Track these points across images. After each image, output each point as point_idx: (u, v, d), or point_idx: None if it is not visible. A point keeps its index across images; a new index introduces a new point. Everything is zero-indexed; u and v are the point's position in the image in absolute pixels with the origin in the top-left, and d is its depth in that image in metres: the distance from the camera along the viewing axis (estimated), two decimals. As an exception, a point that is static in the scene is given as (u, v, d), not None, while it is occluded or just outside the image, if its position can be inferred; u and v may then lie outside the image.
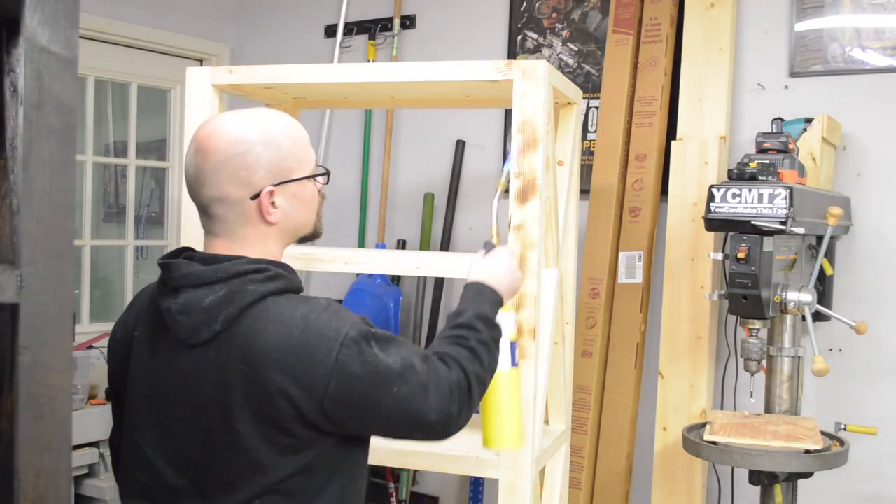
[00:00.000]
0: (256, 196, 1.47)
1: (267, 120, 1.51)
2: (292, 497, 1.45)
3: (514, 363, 1.71)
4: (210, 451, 1.45)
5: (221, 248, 1.51)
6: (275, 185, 1.48)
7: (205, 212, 1.51)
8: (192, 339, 1.44)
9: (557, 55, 3.57)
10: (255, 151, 1.47)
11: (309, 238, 1.61)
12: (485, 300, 1.63)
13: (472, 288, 1.66)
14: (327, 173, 1.58)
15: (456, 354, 1.51)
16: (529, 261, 2.02)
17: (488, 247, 1.75)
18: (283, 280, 1.48)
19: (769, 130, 2.73)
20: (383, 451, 2.19)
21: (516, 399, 1.70)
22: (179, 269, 1.47)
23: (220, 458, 1.44)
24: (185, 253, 1.52)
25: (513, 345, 1.72)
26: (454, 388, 1.46)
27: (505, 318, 1.69)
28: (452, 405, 1.46)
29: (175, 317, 1.45)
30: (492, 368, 1.59)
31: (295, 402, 1.40)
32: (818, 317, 2.52)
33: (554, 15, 3.59)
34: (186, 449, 1.47)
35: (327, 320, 1.43)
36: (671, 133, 3.22)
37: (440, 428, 1.46)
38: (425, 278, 3.78)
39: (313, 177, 1.55)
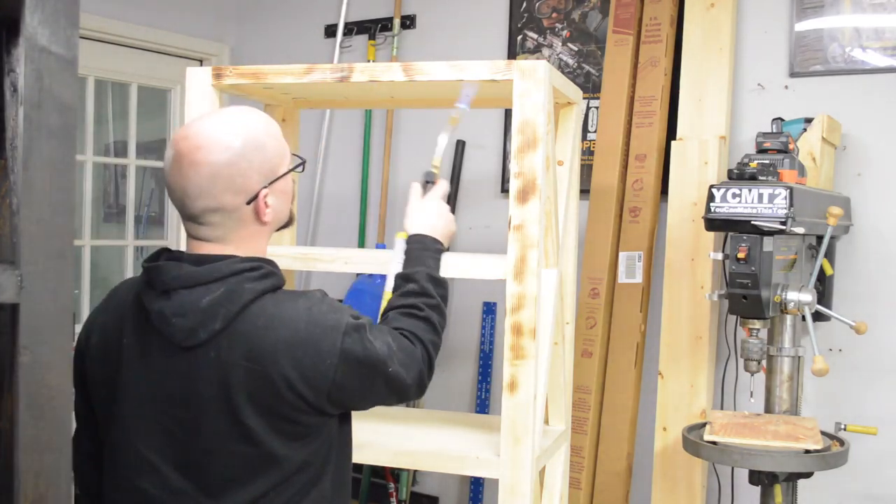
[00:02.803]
0: (252, 200, 1.49)
1: (247, 122, 1.51)
2: (303, 483, 1.51)
3: None
4: (218, 450, 1.47)
5: (208, 249, 1.51)
6: (267, 186, 1.50)
7: (196, 220, 1.49)
8: (189, 340, 1.44)
9: (557, 55, 3.57)
10: (247, 158, 1.47)
11: (284, 226, 1.63)
12: (429, 255, 1.76)
13: (416, 242, 1.78)
14: (304, 162, 1.64)
15: (415, 328, 1.64)
16: (529, 261, 2.02)
17: (428, 177, 1.87)
18: (275, 277, 1.52)
19: (769, 130, 2.73)
20: (384, 451, 2.19)
21: None
22: (170, 271, 1.46)
23: (229, 455, 1.46)
24: (167, 254, 1.52)
25: None
26: (422, 360, 1.61)
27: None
28: (424, 374, 1.61)
29: (169, 319, 1.44)
30: (443, 326, 1.71)
31: (303, 393, 1.45)
32: (818, 317, 2.52)
33: (554, 15, 3.59)
34: (191, 451, 1.48)
35: (327, 312, 1.50)
36: (671, 133, 3.22)
37: (417, 391, 1.61)
38: (425, 278, 3.78)
39: (294, 168, 1.59)
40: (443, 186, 1.94)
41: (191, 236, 1.53)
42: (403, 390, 1.58)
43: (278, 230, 1.64)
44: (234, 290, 1.45)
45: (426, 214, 1.85)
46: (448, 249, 1.88)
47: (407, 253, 1.79)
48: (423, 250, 1.78)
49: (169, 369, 1.47)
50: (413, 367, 1.59)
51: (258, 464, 1.47)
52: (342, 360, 1.47)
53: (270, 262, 1.54)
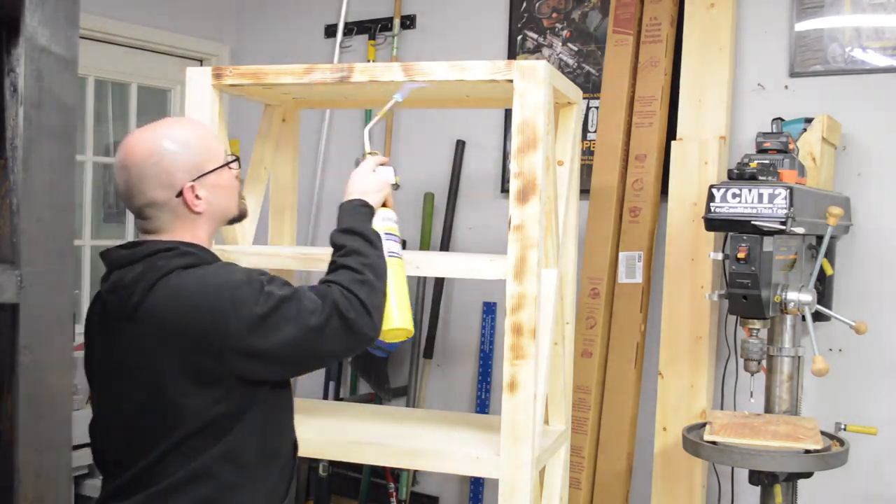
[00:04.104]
0: (180, 194, 1.70)
1: (171, 127, 1.76)
2: (214, 436, 1.65)
3: (394, 254, 1.89)
4: (142, 408, 1.66)
5: (151, 239, 1.74)
6: (193, 181, 1.71)
7: (140, 216, 1.74)
8: (119, 314, 1.66)
9: (557, 55, 3.57)
10: (170, 157, 1.70)
11: (237, 219, 1.86)
12: (346, 214, 1.87)
13: (344, 208, 1.89)
14: (237, 159, 1.82)
15: (329, 278, 1.74)
16: (529, 261, 2.02)
17: (360, 159, 1.98)
18: (192, 256, 1.70)
19: (769, 130, 2.73)
20: (384, 451, 2.19)
21: (401, 285, 1.86)
22: (110, 255, 1.72)
23: (151, 411, 1.65)
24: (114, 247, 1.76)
25: (392, 237, 1.91)
26: (339, 295, 1.68)
27: (382, 215, 1.93)
28: (343, 307, 1.66)
29: (106, 296, 1.70)
30: (368, 266, 1.77)
31: (210, 349, 1.61)
32: (818, 317, 2.52)
33: (554, 15, 3.59)
34: (126, 411, 1.68)
35: (223, 273, 1.68)
36: (671, 133, 3.22)
37: (341, 327, 1.66)
38: (425, 278, 3.78)
39: (226, 164, 1.77)
40: (370, 158, 2.02)
41: (140, 231, 1.76)
42: (315, 328, 1.63)
43: (232, 223, 1.87)
44: (149, 267, 1.66)
45: (354, 179, 1.95)
46: (378, 204, 1.94)
47: (338, 220, 1.90)
48: (344, 213, 1.89)
49: (112, 340, 1.70)
50: (327, 302, 1.66)
51: (171, 420, 1.63)
52: (236, 314, 1.60)
53: (195, 246, 1.72)
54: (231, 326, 1.60)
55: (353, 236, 1.82)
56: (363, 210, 1.88)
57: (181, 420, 1.64)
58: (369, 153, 2.01)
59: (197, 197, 1.72)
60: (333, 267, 1.79)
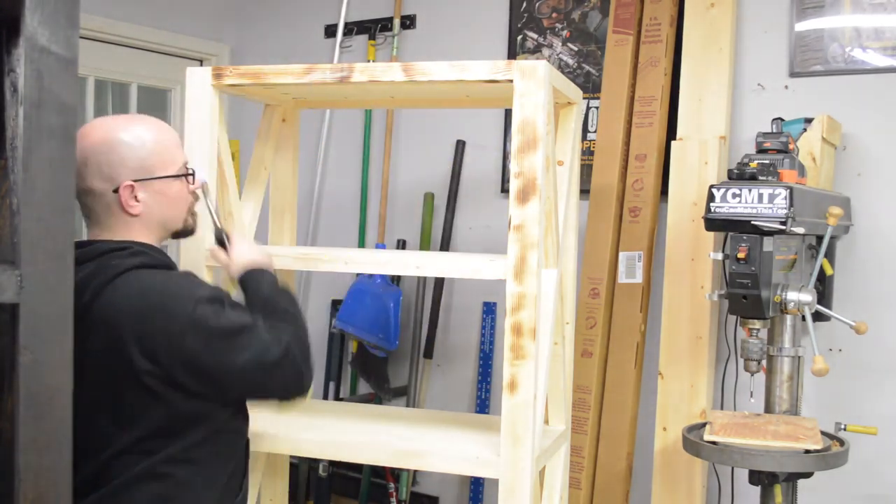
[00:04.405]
0: (117, 190, 1.66)
1: (136, 123, 1.71)
2: (167, 437, 1.62)
3: None
4: (87, 412, 1.55)
5: (94, 236, 1.71)
6: (135, 181, 1.67)
7: (81, 202, 1.69)
8: None
9: (557, 55, 3.57)
10: (119, 150, 1.66)
11: (181, 234, 1.80)
12: (266, 284, 1.81)
13: (249, 281, 1.82)
14: (192, 174, 1.77)
15: (286, 327, 1.70)
16: (529, 261, 2.02)
17: (218, 234, 1.92)
18: (145, 256, 1.66)
19: (769, 130, 2.73)
20: (384, 450, 2.19)
21: None
22: None
23: (93, 418, 1.59)
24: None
25: None
26: (292, 338, 1.66)
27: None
28: (294, 355, 1.64)
29: None
30: (302, 325, 1.75)
31: (155, 358, 1.56)
32: (818, 317, 2.52)
33: (554, 15, 3.59)
34: (80, 413, 1.62)
35: (185, 285, 1.64)
36: (671, 133, 3.22)
37: (290, 372, 1.64)
38: (425, 278, 3.78)
39: (177, 176, 1.73)
40: (236, 233, 2.00)
41: (85, 223, 1.73)
42: (265, 359, 1.60)
43: (176, 237, 1.80)
44: (102, 267, 1.61)
45: (241, 256, 1.88)
46: (272, 269, 1.91)
47: (246, 292, 1.83)
48: (260, 283, 1.82)
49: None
50: (281, 341, 1.63)
51: (125, 418, 1.60)
52: (193, 328, 1.56)
53: (145, 245, 1.68)
54: (187, 340, 1.57)
55: (283, 294, 1.79)
56: (267, 274, 1.85)
57: (133, 422, 1.61)
58: (218, 228, 1.95)
59: (135, 198, 1.68)
60: (270, 311, 1.73)
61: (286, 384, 1.67)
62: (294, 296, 1.84)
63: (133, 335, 1.57)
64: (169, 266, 1.72)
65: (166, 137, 1.75)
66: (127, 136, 1.67)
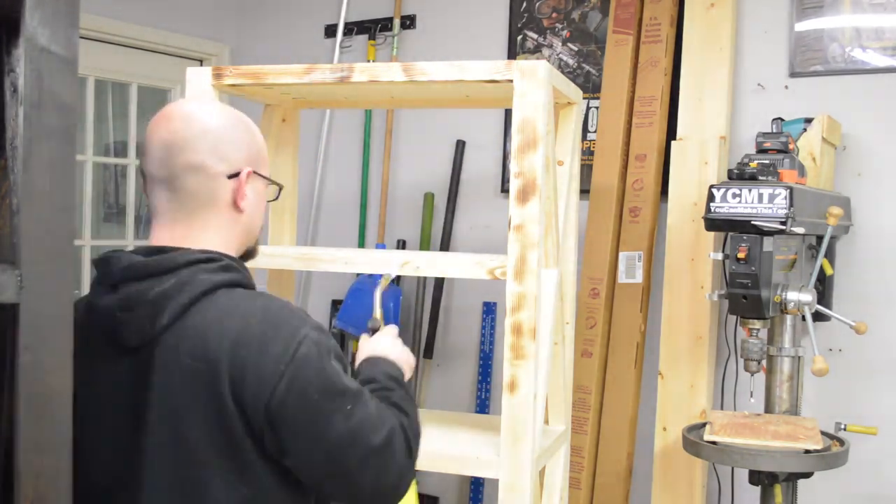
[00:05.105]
0: (234, 175, 1.36)
1: (242, 113, 1.45)
2: None
3: None
4: (157, 469, 1.28)
5: (166, 238, 1.36)
6: (251, 172, 1.39)
7: (169, 185, 1.35)
8: (135, 338, 1.28)
9: (557, 55, 3.57)
10: (239, 131, 1.39)
11: (248, 255, 1.47)
12: (387, 368, 1.52)
13: (368, 362, 1.54)
14: (282, 187, 1.51)
15: (391, 404, 1.43)
16: (529, 261, 2.02)
17: (373, 323, 1.74)
18: (236, 272, 1.35)
19: (769, 130, 2.73)
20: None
21: None
22: (120, 261, 1.31)
23: (170, 476, 1.27)
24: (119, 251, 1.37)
25: None
26: (400, 430, 1.37)
27: None
28: (402, 452, 1.36)
29: (115, 314, 1.28)
30: (418, 421, 1.48)
31: (242, 400, 1.24)
32: (818, 317, 2.52)
33: (554, 15, 3.59)
34: (136, 471, 1.29)
35: (288, 316, 1.31)
36: (671, 133, 3.22)
37: (388, 455, 1.33)
38: (425, 278, 3.78)
39: (274, 182, 1.47)
40: (391, 327, 1.70)
41: (154, 216, 1.38)
42: (368, 443, 1.29)
43: (242, 257, 1.45)
44: (186, 282, 1.28)
45: (378, 342, 1.62)
46: (404, 376, 1.59)
47: (359, 371, 1.54)
48: (376, 365, 1.54)
49: (113, 376, 1.30)
50: (385, 426, 1.32)
51: (189, 488, 1.27)
52: (291, 370, 1.25)
53: (234, 259, 1.38)
54: (281, 384, 1.24)
55: (400, 387, 1.49)
56: (395, 368, 1.54)
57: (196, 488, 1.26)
58: (376, 318, 1.78)
59: (244, 193, 1.38)
60: (392, 400, 1.42)
61: (379, 479, 1.32)
62: (413, 396, 1.55)
63: (223, 368, 1.24)
64: (254, 288, 1.40)
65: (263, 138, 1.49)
66: (243, 122, 1.41)
